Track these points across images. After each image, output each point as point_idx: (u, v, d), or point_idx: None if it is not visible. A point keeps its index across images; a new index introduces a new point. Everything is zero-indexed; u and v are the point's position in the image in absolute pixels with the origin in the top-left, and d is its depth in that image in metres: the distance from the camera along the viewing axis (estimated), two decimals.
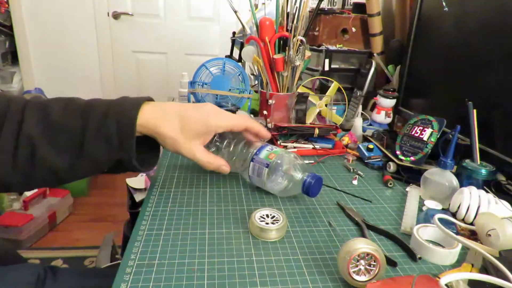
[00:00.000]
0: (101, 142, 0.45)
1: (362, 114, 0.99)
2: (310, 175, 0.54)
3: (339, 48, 1.13)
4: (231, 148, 0.59)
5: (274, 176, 0.55)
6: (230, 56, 1.28)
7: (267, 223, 0.47)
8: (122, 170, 0.52)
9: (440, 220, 0.45)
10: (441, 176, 0.58)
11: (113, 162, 0.47)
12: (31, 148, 0.43)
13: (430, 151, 0.66)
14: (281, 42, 0.84)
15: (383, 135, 0.79)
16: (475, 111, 0.64)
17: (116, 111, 0.46)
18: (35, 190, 1.77)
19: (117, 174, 0.54)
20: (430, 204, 0.56)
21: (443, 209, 0.55)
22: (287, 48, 0.81)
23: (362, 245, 0.38)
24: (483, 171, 0.58)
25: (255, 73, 1.07)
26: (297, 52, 0.81)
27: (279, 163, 0.55)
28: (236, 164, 0.59)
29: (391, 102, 0.91)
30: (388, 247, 0.47)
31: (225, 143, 0.60)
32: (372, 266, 0.39)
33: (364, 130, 0.89)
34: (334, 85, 1.00)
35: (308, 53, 0.92)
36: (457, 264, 0.44)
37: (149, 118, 0.47)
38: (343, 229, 0.51)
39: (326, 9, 1.19)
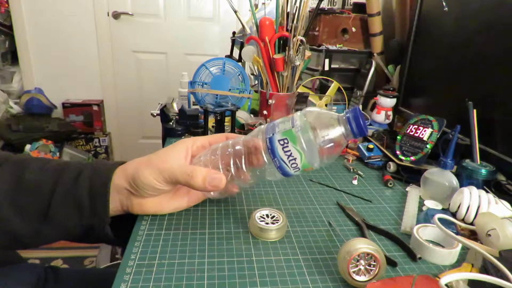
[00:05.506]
0: (70, 204, 0.42)
1: None
2: (347, 112, 0.43)
3: (339, 48, 1.13)
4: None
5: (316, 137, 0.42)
6: (230, 56, 1.28)
7: (267, 223, 0.47)
8: (93, 239, 0.47)
9: (440, 220, 0.45)
10: (441, 176, 0.58)
11: (82, 229, 0.44)
12: None
13: (430, 151, 0.66)
14: (281, 42, 0.84)
15: (383, 135, 0.80)
16: (475, 111, 0.64)
17: (91, 169, 0.45)
18: None
19: (88, 243, 0.49)
20: (430, 204, 0.56)
21: (443, 209, 0.55)
22: (287, 48, 0.81)
23: (362, 245, 0.38)
24: (483, 171, 0.58)
25: (255, 73, 1.07)
26: (297, 52, 0.81)
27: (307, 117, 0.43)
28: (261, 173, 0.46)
29: (391, 102, 0.91)
30: (388, 247, 0.47)
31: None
32: (372, 266, 0.39)
33: None
34: (334, 85, 1.00)
35: (308, 53, 0.92)
36: (457, 264, 0.44)
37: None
38: (343, 229, 0.51)
39: (326, 9, 1.19)
